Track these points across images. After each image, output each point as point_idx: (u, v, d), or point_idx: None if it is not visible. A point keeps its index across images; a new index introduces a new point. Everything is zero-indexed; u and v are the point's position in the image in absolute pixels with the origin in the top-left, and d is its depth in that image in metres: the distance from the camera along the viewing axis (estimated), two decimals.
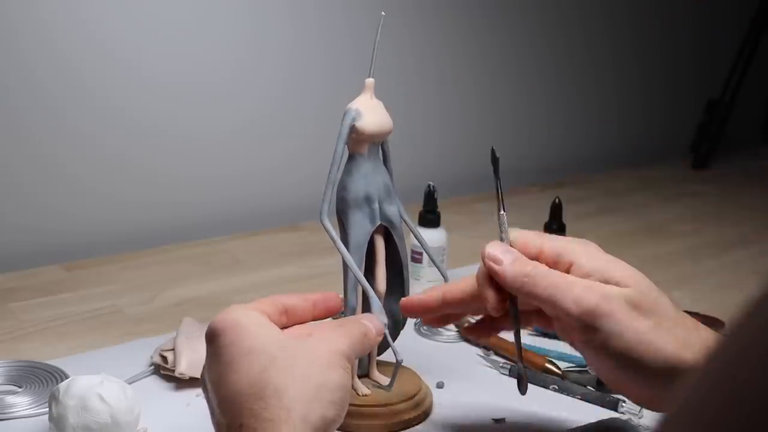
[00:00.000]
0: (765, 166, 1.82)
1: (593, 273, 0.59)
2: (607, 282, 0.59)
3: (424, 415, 0.75)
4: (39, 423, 0.73)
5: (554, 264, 0.61)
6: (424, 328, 0.93)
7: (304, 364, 0.54)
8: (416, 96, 1.51)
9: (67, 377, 0.77)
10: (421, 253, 1.00)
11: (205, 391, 0.57)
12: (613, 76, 1.80)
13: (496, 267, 0.61)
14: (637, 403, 0.69)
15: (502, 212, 0.66)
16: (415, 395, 0.75)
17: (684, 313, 0.61)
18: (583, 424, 0.73)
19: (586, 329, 0.58)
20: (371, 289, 0.70)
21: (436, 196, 1.01)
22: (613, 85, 1.81)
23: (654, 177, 1.71)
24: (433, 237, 1.01)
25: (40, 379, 0.80)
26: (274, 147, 1.38)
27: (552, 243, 0.62)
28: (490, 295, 0.62)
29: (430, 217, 1.02)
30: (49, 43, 1.14)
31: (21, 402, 0.76)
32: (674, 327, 0.58)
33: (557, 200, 1.04)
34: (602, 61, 1.78)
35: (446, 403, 0.77)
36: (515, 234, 0.64)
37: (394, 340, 0.76)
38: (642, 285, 0.60)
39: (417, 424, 0.74)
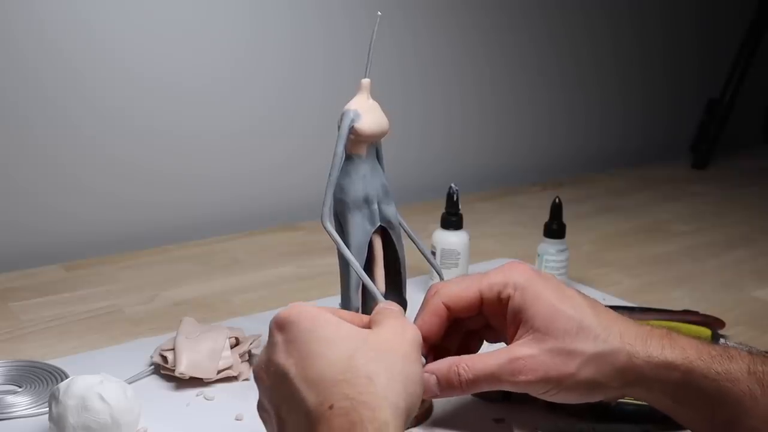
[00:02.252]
0: (765, 166, 1.82)
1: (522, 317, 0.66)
2: (526, 322, 0.65)
3: (425, 414, 0.75)
4: (39, 423, 0.73)
5: (498, 301, 0.67)
6: None
7: (388, 354, 0.55)
8: (416, 96, 1.51)
9: (67, 377, 0.77)
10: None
11: (268, 376, 0.56)
12: (614, 76, 1.80)
13: (434, 397, 0.67)
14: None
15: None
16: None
17: (610, 327, 0.65)
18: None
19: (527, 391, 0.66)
20: (379, 293, 0.70)
21: (456, 199, 1.01)
22: (613, 85, 1.81)
23: (654, 177, 1.71)
24: (455, 239, 1.02)
25: (40, 379, 0.80)
26: (273, 147, 1.38)
27: (487, 283, 0.68)
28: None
29: (452, 220, 1.02)
30: (49, 43, 1.14)
31: (21, 402, 0.76)
32: (597, 359, 0.64)
33: (557, 200, 1.04)
34: (603, 61, 1.78)
35: (446, 403, 0.77)
36: (447, 297, 0.69)
37: None
38: (562, 327, 0.64)
39: (418, 424, 0.74)
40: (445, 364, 0.66)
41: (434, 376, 0.65)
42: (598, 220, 1.41)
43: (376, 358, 0.55)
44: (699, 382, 0.62)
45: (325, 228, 0.69)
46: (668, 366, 0.63)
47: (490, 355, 0.66)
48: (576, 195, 1.51)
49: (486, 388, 0.66)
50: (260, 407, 0.59)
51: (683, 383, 0.62)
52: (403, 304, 0.77)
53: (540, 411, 0.75)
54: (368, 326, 0.61)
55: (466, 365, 0.65)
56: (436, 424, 0.75)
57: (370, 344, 0.56)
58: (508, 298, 0.67)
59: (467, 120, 1.61)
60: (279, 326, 0.57)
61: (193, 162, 1.30)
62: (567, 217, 1.05)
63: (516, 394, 0.76)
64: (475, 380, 0.65)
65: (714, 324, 0.94)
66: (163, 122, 1.26)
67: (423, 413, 0.75)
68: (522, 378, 0.64)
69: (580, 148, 1.77)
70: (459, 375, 0.65)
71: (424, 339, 0.68)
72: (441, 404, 0.77)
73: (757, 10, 1.78)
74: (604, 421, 0.74)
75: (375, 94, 0.73)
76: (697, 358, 0.62)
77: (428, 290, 0.71)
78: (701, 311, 0.96)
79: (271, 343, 0.57)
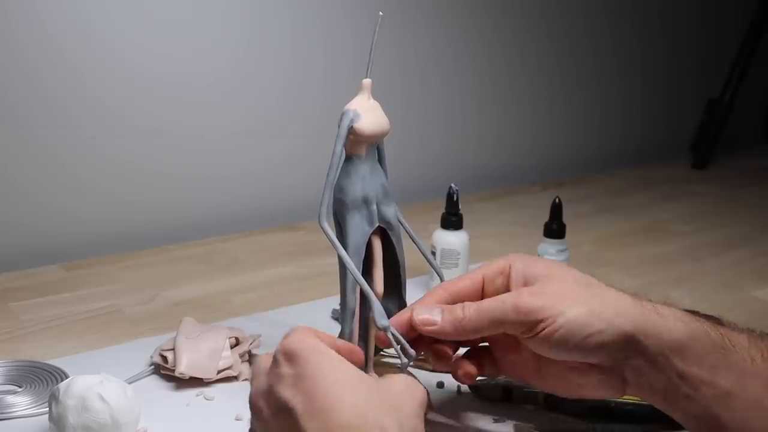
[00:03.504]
0: (765, 166, 1.82)
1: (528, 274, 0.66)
2: (529, 277, 0.66)
3: None
4: (39, 423, 0.73)
5: (500, 274, 0.68)
6: None
7: (400, 410, 0.54)
8: (417, 96, 1.51)
9: (67, 377, 0.77)
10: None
11: (269, 407, 0.55)
12: (614, 76, 1.80)
13: (433, 328, 0.65)
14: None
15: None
16: None
17: (619, 291, 0.64)
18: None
19: (528, 326, 0.62)
20: (372, 293, 0.70)
21: (456, 199, 1.01)
22: (613, 85, 1.81)
23: (654, 177, 1.71)
24: (455, 239, 1.02)
25: (40, 379, 0.80)
26: (273, 147, 1.38)
27: (487, 266, 0.68)
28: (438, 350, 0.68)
29: (452, 220, 1.02)
30: (50, 43, 1.14)
31: (21, 402, 0.76)
32: (607, 301, 0.62)
33: (557, 200, 1.04)
34: (603, 61, 1.78)
35: (446, 403, 0.77)
36: (447, 284, 0.69)
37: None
38: (572, 280, 0.65)
39: None
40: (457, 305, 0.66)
41: (438, 307, 0.65)
42: (598, 220, 1.41)
43: (388, 410, 0.53)
44: (703, 340, 0.60)
45: (322, 228, 0.69)
46: (674, 318, 0.61)
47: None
48: (576, 195, 1.51)
49: (489, 326, 0.63)
50: None
51: (688, 339, 0.60)
52: (402, 305, 0.77)
53: (540, 411, 0.75)
54: (362, 362, 0.61)
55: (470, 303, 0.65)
56: (436, 424, 0.74)
57: (382, 395, 0.55)
58: (509, 268, 0.67)
59: (467, 120, 1.61)
60: (288, 357, 0.55)
61: (193, 162, 1.30)
62: (567, 217, 1.05)
63: (517, 394, 0.76)
64: (479, 310, 0.63)
65: None
66: (163, 122, 1.26)
67: None
68: (533, 302, 0.62)
69: (580, 148, 1.77)
70: (463, 307, 0.64)
71: None
72: (440, 404, 0.77)
73: (757, 10, 1.78)
74: (604, 421, 0.74)
75: (375, 94, 0.73)
76: (700, 319, 0.62)
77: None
78: (701, 311, 0.96)
79: (276, 374, 0.55)
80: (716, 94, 1.80)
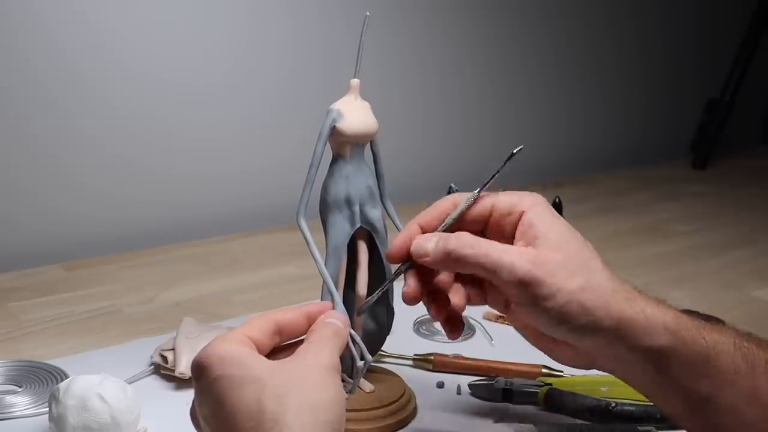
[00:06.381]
0: (765, 166, 1.82)
1: (535, 232, 0.62)
2: (538, 236, 0.62)
3: (407, 419, 0.74)
4: (39, 423, 0.73)
5: (508, 215, 0.65)
6: (423, 327, 0.93)
7: (294, 389, 0.53)
8: (416, 95, 1.51)
9: (67, 377, 0.77)
10: None
11: (198, 428, 0.56)
12: (614, 76, 1.80)
13: (425, 259, 0.62)
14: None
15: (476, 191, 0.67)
16: (392, 403, 0.74)
17: (613, 276, 0.62)
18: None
19: (519, 293, 0.60)
20: (335, 290, 0.69)
21: None
22: (614, 85, 1.81)
23: (654, 177, 1.71)
24: None
25: (40, 379, 0.80)
26: (274, 147, 1.38)
27: (502, 198, 0.66)
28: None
29: None
30: (50, 43, 1.14)
31: (21, 402, 0.76)
32: (599, 289, 0.60)
33: (557, 200, 1.04)
34: (603, 61, 1.78)
35: (446, 403, 0.77)
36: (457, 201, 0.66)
37: (381, 345, 0.75)
38: (573, 249, 0.62)
39: (401, 427, 0.73)
40: (455, 234, 0.62)
41: (435, 236, 0.62)
42: (598, 220, 1.41)
43: (281, 395, 0.52)
44: (687, 348, 0.59)
45: (298, 224, 0.70)
46: (661, 323, 0.59)
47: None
48: (576, 195, 1.51)
49: (479, 268, 0.60)
50: None
51: (671, 347, 0.59)
52: (390, 311, 0.76)
53: (540, 411, 0.75)
54: (304, 331, 0.60)
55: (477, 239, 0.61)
56: (435, 424, 0.74)
57: (277, 381, 0.53)
58: (521, 213, 0.64)
59: (467, 120, 1.61)
60: (195, 375, 0.55)
61: (193, 162, 1.30)
62: (567, 217, 1.03)
63: (516, 393, 0.76)
64: (484, 253, 0.60)
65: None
66: (163, 122, 1.26)
67: (406, 416, 0.74)
68: (534, 272, 0.59)
69: (580, 148, 1.77)
70: (460, 237, 0.61)
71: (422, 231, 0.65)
72: (440, 404, 0.77)
73: (756, 11, 1.78)
74: (604, 421, 0.74)
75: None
76: (687, 323, 0.60)
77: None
78: (701, 311, 0.96)
79: (194, 391, 0.56)
80: (716, 94, 1.80)
